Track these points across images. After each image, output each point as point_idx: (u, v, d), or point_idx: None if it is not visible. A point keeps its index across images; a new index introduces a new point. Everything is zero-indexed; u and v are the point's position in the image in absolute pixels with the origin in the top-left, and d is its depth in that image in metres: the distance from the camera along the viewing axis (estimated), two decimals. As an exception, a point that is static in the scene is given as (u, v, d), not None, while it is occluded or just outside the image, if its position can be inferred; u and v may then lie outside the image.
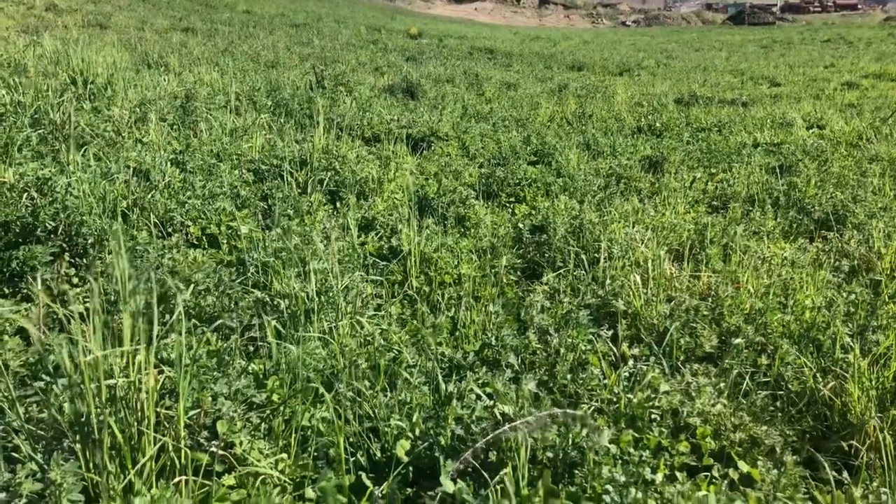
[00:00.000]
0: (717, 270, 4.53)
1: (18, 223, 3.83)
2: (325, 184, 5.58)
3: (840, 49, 28.47)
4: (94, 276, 3.26)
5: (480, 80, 14.37)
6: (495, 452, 2.64)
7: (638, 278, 4.00)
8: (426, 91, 11.43)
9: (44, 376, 2.59)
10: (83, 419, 2.24)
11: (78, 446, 2.21)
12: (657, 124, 9.84)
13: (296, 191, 5.33)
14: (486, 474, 2.47)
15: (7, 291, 3.68)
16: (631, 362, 3.32)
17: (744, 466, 2.86)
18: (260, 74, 11.45)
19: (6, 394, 2.46)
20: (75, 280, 3.68)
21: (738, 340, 3.47)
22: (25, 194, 3.92)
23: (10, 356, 2.79)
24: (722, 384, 3.25)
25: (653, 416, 3.07)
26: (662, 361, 3.32)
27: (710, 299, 4.09)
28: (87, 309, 2.71)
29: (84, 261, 3.74)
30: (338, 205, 5.29)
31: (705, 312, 3.84)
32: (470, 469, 2.60)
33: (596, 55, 24.77)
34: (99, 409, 2.25)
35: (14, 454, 2.24)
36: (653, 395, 3.07)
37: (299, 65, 13.87)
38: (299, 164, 5.90)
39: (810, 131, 9.91)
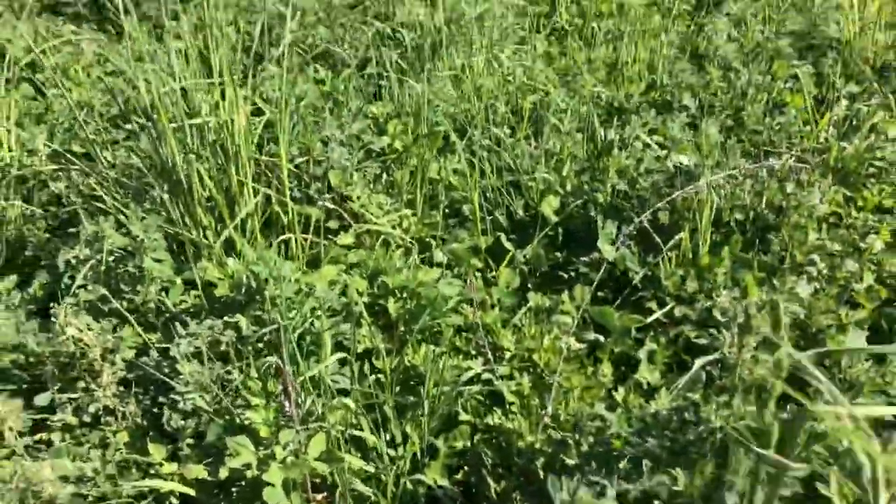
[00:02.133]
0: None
1: (113, -48, 3.37)
2: None
3: None
4: (193, 4, 2.81)
5: None
6: (667, 213, 2.11)
7: (854, -1, 3.10)
8: None
9: (135, 118, 2.25)
10: (169, 166, 1.88)
11: (166, 196, 1.86)
12: None
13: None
14: (656, 237, 1.96)
15: (112, 29, 3.34)
16: (844, 103, 2.58)
17: None
18: None
19: (94, 136, 2.14)
20: (182, 13, 3.26)
21: None
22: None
23: (97, 95, 2.45)
24: (969, 131, 2.49)
25: (871, 171, 2.40)
26: (891, 100, 2.56)
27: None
28: (180, 45, 2.28)
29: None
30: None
31: (946, 39, 2.95)
32: (634, 232, 2.10)
33: None
34: (185, 151, 1.88)
35: (100, 205, 1.95)
36: (875, 144, 2.37)
37: None
38: None
39: None
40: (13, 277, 1.88)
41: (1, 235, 2.03)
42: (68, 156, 2.15)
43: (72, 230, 2.04)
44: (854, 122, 2.49)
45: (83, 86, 2.65)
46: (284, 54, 2.05)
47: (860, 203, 2.34)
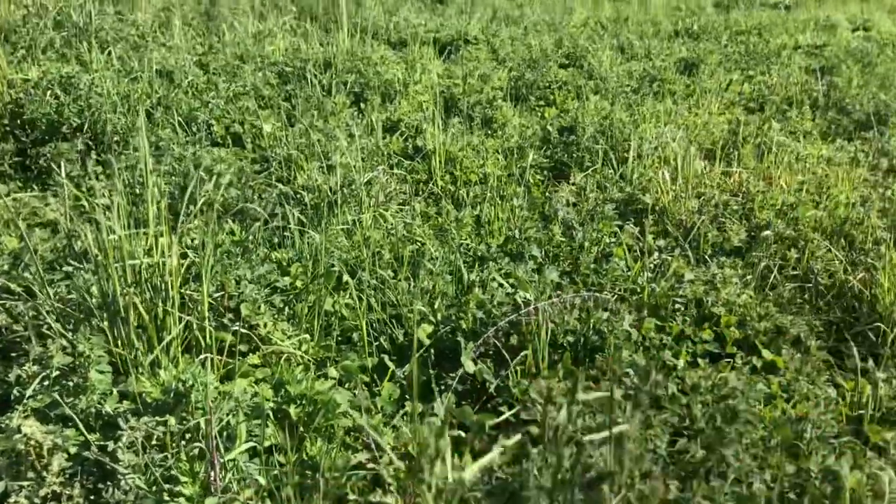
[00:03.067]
0: (750, 168, 4.42)
1: (44, 120, 3.84)
2: (349, 86, 5.50)
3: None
4: (118, 168, 3.28)
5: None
6: (516, 336, 2.65)
7: (667, 174, 3.91)
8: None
9: (71, 261, 2.64)
10: (109, 299, 2.28)
11: (106, 324, 2.25)
12: (695, 28, 9.50)
13: (320, 92, 5.26)
14: (507, 355, 2.49)
15: (36, 188, 3.73)
16: (656, 254, 3.28)
17: (767, 355, 2.84)
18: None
19: (36, 277, 2.51)
20: (101, 176, 3.71)
21: (766, 233, 3.40)
22: (49, 92, 3.92)
23: (37, 242, 2.83)
24: (749, 276, 3.21)
25: (676, 306, 3.05)
26: (689, 253, 3.28)
27: (740, 195, 4.01)
28: (111, 201, 2.73)
29: (109, 156, 3.76)
30: (362, 106, 5.23)
31: (735, 207, 3.77)
32: (491, 352, 2.62)
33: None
34: (124, 289, 2.29)
35: (46, 332, 2.30)
36: (677, 285, 3.04)
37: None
38: (323, 66, 5.81)
39: (855, 33, 9.50)
40: (-40, 395, 2.19)
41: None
42: (11, 291, 2.50)
43: (13, 354, 2.37)
44: (662, 269, 3.17)
45: (16, 237, 3.02)
46: (205, 210, 2.53)
47: (668, 330, 2.96)
